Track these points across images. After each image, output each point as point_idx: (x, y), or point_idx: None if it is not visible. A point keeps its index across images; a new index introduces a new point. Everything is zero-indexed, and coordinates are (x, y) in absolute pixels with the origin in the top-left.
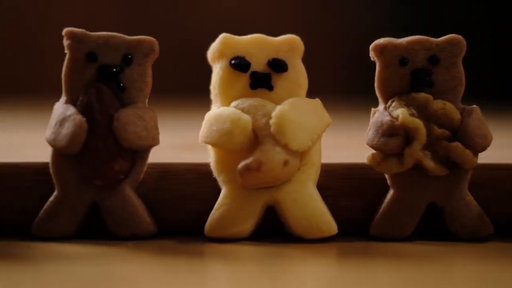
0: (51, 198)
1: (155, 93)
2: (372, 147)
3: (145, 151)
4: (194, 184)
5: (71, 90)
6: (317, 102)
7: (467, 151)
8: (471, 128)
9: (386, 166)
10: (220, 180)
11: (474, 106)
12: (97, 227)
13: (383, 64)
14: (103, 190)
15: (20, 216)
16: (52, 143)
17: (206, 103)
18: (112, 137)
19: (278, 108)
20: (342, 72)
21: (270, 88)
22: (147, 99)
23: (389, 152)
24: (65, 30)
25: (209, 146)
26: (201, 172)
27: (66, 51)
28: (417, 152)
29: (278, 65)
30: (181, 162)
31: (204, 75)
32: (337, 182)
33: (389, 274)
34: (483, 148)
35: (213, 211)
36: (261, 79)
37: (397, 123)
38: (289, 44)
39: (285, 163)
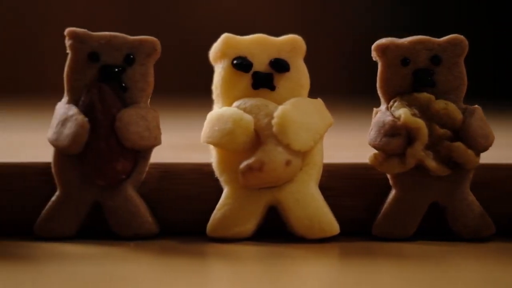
0: (53, 198)
1: (155, 93)
2: (374, 147)
3: (147, 151)
4: (196, 184)
5: (73, 90)
6: (319, 102)
7: (469, 151)
8: (473, 128)
9: (388, 166)
10: (222, 180)
11: (476, 106)
12: (99, 227)
13: (385, 64)
14: (105, 190)
15: (22, 216)
16: (54, 143)
17: (206, 103)
18: (114, 137)
19: (280, 108)
20: (342, 72)
21: (272, 88)
22: (149, 99)
23: (391, 152)
24: (67, 30)
25: (211, 146)
26: (203, 172)
27: (68, 51)
28: (419, 152)
29: (280, 65)
30: (183, 162)
31: (204, 75)
32: (339, 182)
33: (391, 274)
34: (485, 148)
35: (215, 211)
36: (263, 79)
37: (399, 123)
38: (291, 44)
39: (287, 163)
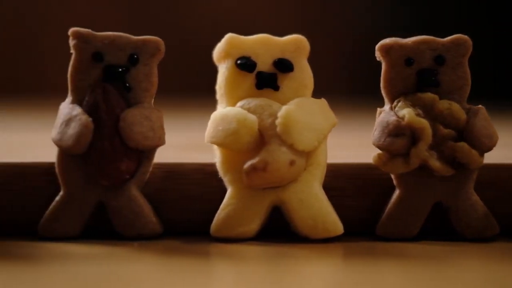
0: (57, 198)
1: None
2: (378, 147)
3: (151, 151)
4: (200, 184)
5: (77, 90)
6: (323, 102)
7: (473, 151)
8: (477, 128)
9: (392, 166)
10: (226, 180)
11: (480, 106)
12: (103, 227)
13: (389, 64)
14: (109, 190)
15: (26, 216)
16: (58, 143)
17: (206, 103)
18: (118, 137)
19: (284, 108)
20: (342, 72)
21: (276, 88)
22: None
23: (395, 152)
24: (71, 30)
25: (215, 146)
26: (207, 172)
27: (72, 51)
28: (423, 152)
29: (284, 65)
30: (187, 162)
31: (204, 75)
32: (343, 182)
33: (395, 274)
34: (489, 148)
35: (219, 211)
36: (267, 79)
37: (403, 123)
38: (295, 44)
39: (291, 163)
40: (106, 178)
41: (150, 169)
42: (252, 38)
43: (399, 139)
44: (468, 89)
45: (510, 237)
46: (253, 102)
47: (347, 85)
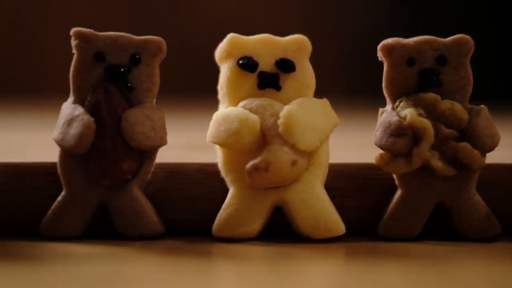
0: (59, 198)
1: None
2: (380, 147)
3: (153, 151)
4: (202, 184)
5: (79, 90)
6: (325, 102)
7: (475, 151)
8: (479, 128)
9: (394, 166)
10: (228, 180)
11: (482, 106)
12: (105, 227)
13: (390, 64)
14: (111, 190)
15: (28, 216)
16: (60, 143)
17: (206, 103)
18: (120, 137)
19: (286, 108)
20: (342, 72)
21: (278, 88)
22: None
23: (397, 152)
24: (73, 30)
25: (217, 146)
26: (208, 172)
27: (74, 51)
28: (425, 152)
29: (286, 65)
30: (189, 162)
31: (204, 75)
32: (345, 182)
33: (397, 274)
34: (491, 148)
35: (221, 211)
36: (269, 79)
37: (405, 123)
38: (296, 44)
39: (293, 163)
40: (108, 178)
41: (152, 169)
42: (254, 38)
43: (401, 139)
44: (470, 89)
45: None
46: (255, 102)
47: (347, 85)
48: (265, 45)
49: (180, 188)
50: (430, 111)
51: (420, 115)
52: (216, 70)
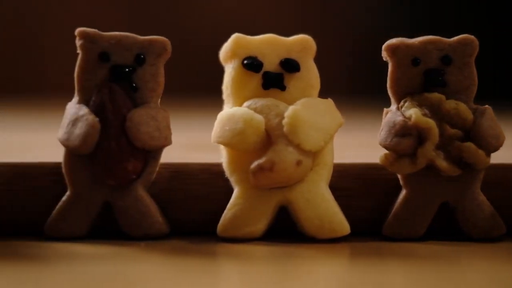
0: (64, 198)
1: None
2: (385, 147)
3: (158, 151)
4: (206, 184)
5: (84, 90)
6: (329, 102)
7: (480, 151)
8: (484, 128)
9: (399, 166)
10: (232, 180)
11: (487, 106)
12: (110, 227)
13: (395, 64)
14: (115, 190)
15: (32, 216)
16: (65, 143)
17: (206, 103)
18: (125, 137)
19: (291, 108)
20: (342, 72)
21: (283, 88)
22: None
23: (401, 152)
24: (78, 30)
25: (222, 146)
26: (213, 172)
27: (79, 51)
28: (429, 152)
29: (290, 65)
30: (193, 162)
31: (205, 75)
32: (349, 182)
33: (402, 274)
34: (496, 148)
35: (225, 211)
36: (273, 79)
37: (410, 123)
38: (301, 44)
39: (298, 163)
40: (112, 178)
41: (157, 169)
42: (258, 38)
43: (405, 139)
44: (474, 89)
45: None
46: (259, 102)
47: (347, 85)
48: (269, 45)
49: (185, 188)
50: (435, 111)
51: (425, 115)
52: (216, 70)
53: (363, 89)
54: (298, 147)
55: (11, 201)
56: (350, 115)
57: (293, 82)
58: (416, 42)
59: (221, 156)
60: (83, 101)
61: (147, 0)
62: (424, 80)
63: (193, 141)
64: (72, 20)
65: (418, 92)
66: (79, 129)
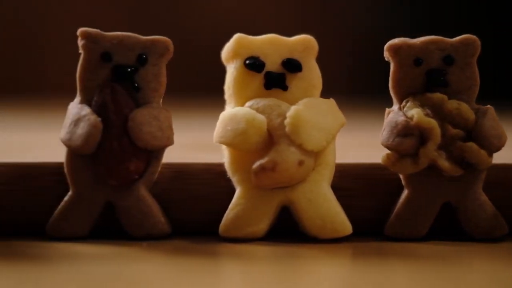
0: (66, 198)
1: None
2: (387, 147)
3: (160, 151)
4: (208, 184)
5: (86, 90)
6: (331, 102)
7: (482, 151)
8: (486, 128)
9: (401, 166)
10: (234, 180)
11: (489, 106)
12: (112, 227)
13: (397, 64)
14: (117, 190)
15: (34, 216)
16: (67, 143)
17: (206, 103)
18: (127, 137)
19: (293, 108)
20: (342, 72)
21: (285, 88)
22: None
23: (404, 152)
24: (80, 30)
25: (224, 146)
26: (215, 172)
27: (81, 51)
28: (432, 152)
29: (292, 65)
30: (195, 162)
31: (205, 75)
32: (351, 182)
33: (404, 274)
34: (498, 148)
35: (227, 211)
36: (275, 79)
37: (412, 123)
38: (303, 44)
39: (300, 163)
40: (114, 178)
41: (159, 169)
42: (260, 38)
43: (407, 139)
44: (476, 89)
45: None
46: (261, 102)
47: (347, 85)
48: (271, 45)
49: (187, 188)
50: (437, 111)
51: (427, 115)
52: (217, 70)
53: (363, 89)
54: (300, 147)
55: (13, 201)
56: (350, 115)
57: (295, 82)
58: (418, 42)
59: (223, 156)
60: (85, 101)
61: (147, 0)
62: (426, 80)
63: (195, 141)
64: (72, 20)
65: (420, 92)
66: (81, 129)
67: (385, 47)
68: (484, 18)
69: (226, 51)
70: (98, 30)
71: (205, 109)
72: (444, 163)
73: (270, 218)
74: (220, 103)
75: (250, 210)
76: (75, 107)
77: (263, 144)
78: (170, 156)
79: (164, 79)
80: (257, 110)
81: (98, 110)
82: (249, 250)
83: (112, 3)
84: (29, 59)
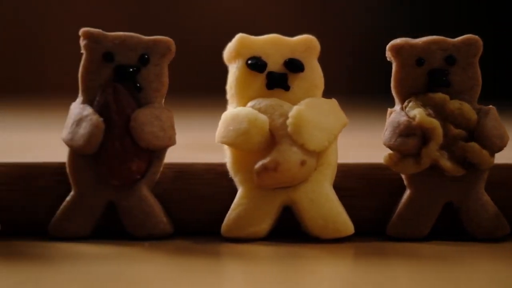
0: (68, 198)
1: None
2: (389, 147)
3: (162, 151)
4: (210, 184)
5: (88, 90)
6: (333, 102)
7: (484, 151)
8: (488, 128)
9: (403, 166)
10: (236, 180)
11: (491, 106)
12: (114, 227)
13: (399, 64)
14: (119, 190)
15: (36, 216)
16: (69, 143)
17: (206, 103)
18: (129, 137)
19: (295, 108)
20: (342, 72)
21: (287, 88)
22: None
23: (406, 152)
24: (82, 30)
25: (226, 146)
26: (217, 172)
27: (83, 51)
28: (434, 152)
29: (294, 65)
30: (198, 162)
31: (205, 75)
32: (353, 182)
33: (406, 274)
34: (500, 148)
35: (229, 211)
36: (277, 79)
37: (414, 123)
38: (305, 44)
39: (302, 163)
40: (116, 178)
41: (161, 169)
42: (262, 38)
43: (410, 139)
44: (478, 89)
45: None
46: (263, 102)
47: (347, 85)
48: (273, 45)
49: (189, 188)
50: (439, 111)
51: (429, 115)
52: (217, 70)
53: (363, 89)
54: (302, 147)
55: (15, 201)
56: (350, 115)
57: (297, 82)
58: (420, 42)
59: (225, 156)
60: (87, 101)
61: (147, 0)
62: (428, 80)
63: (197, 141)
64: (72, 20)
65: (422, 92)
66: (83, 129)
67: (387, 47)
68: (485, 18)
69: (228, 51)
70: (100, 30)
71: (206, 109)
72: (446, 163)
73: (272, 218)
74: (221, 103)
75: (252, 210)
76: (77, 107)
77: (265, 144)
78: (172, 156)
79: (166, 79)
80: (259, 110)
81: (100, 110)
82: (251, 250)
83: (112, 3)
84: (29, 59)
